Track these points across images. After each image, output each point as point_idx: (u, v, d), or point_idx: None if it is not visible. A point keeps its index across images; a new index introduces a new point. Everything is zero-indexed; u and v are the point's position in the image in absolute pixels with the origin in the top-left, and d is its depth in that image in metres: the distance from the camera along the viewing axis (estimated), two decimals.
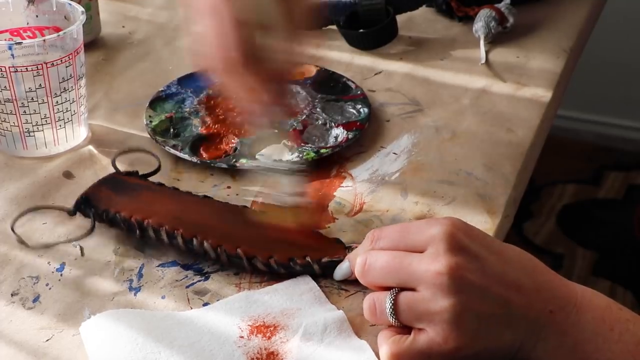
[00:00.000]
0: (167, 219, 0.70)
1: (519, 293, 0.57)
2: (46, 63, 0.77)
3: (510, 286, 0.57)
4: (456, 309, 0.56)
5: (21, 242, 0.70)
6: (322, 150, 0.81)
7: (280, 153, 0.81)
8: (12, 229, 0.71)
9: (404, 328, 0.59)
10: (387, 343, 0.58)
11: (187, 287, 0.67)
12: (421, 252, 0.59)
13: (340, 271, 0.66)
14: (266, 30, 0.64)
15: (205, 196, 0.75)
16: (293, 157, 0.80)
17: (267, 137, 0.74)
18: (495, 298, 0.57)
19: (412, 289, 0.58)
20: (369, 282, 0.61)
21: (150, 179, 0.77)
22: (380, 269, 0.60)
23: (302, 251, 0.67)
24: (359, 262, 0.62)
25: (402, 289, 0.59)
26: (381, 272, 0.60)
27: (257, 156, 0.78)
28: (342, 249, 0.68)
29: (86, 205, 0.72)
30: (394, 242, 0.61)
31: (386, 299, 0.59)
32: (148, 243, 0.70)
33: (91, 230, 0.71)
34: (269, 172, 0.75)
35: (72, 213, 0.73)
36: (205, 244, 0.68)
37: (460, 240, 0.58)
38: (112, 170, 0.78)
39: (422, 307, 0.57)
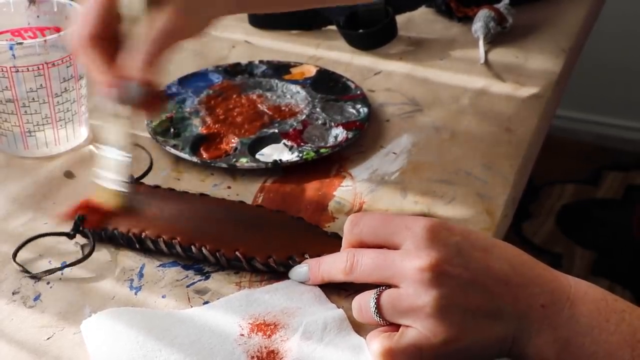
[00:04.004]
0: (164, 229, 0.70)
1: (506, 287, 0.58)
2: (47, 63, 0.77)
3: (497, 280, 0.58)
4: (440, 302, 0.56)
5: (25, 271, 0.68)
6: (322, 150, 0.81)
7: (280, 153, 0.81)
8: (14, 260, 0.69)
9: (392, 326, 0.60)
10: (377, 339, 0.59)
11: (188, 286, 0.67)
12: (400, 244, 0.59)
13: (297, 274, 0.66)
14: (133, 22, 0.67)
15: (201, 194, 0.75)
16: (293, 156, 0.80)
17: (111, 120, 0.71)
18: (480, 291, 0.57)
19: (397, 287, 0.59)
20: (355, 280, 0.62)
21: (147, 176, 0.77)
22: (364, 267, 0.61)
23: (300, 248, 0.68)
24: (343, 259, 0.62)
25: (388, 287, 0.59)
26: (366, 271, 0.61)
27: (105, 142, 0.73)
28: (340, 244, 0.68)
29: (84, 225, 0.71)
30: (375, 230, 0.61)
31: (370, 298, 0.60)
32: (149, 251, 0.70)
33: (91, 252, 0.69)
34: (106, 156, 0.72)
35: (71, 236, 0.71)
36: (204, 250, 0.68)
37: (442, 236, 0.58)
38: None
39: (405, 304, 0.58)
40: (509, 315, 0.57)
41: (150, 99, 0.67)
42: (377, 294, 0.59)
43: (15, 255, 0.69)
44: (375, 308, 0.59)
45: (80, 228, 0.71)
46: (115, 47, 0.67)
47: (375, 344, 0.59)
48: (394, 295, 0.59)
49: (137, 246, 0.70)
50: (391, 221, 0.61)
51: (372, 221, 0.62)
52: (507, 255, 0.59)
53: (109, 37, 0.67)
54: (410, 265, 0.58)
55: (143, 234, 0.70)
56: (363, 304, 0.61)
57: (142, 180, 0.77)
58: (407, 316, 0.58)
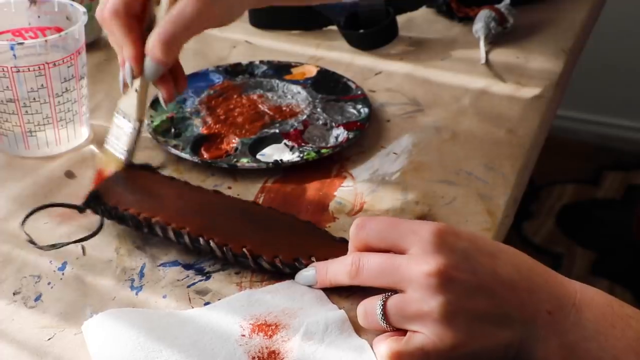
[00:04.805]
0: (174, 217, 0.70)
1: (513, 293, 0.57)
2: (48, 63, 0.77)
3: (504, 286, 0.57)
4: (447, 308, 0.56)
5: (31, 242, 0.70)
6: (323, 150, 0.81)
7: (281, 153, 0.81)
8: (23, 229, 0.71)
9: (398, 332, 0.60)
10: (385, 343, 0.59)
11: (189, 286, 0.67)
12: (407, 249, 0.59)
13: (304, 278, 0.66)
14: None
15: (215, 191, 0.75)
16: (294, 156, 0.80)
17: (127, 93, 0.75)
18: (487, 297, 0.57)
19: (403, 292, 0.59)
20: (361, 284, 0.62)
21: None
22: (370, 271, 0.60)
23: (307, 250, 0.68)
24: (348, 263, 0.62)
25: (394, 292, 0.59)
26: (372, 275, 0.60)
27: (118, 110, 0.76)
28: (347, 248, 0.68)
29: (96, 201, 0.72)
30: (381, 234, 0.61)
31: (376, 304, 0.60)
32: (153, 240, 0.70)
33: (99, 228, 0.70)
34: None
35: (82, 210, 0.72)
36: (212, 243, 0.68)
37: (449, 241, 0.58)
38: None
39: (412, 309, 0.58)
40: (515, 321, 0.57)
41: (165, 79, 0.72)
42: (384, 300, 0.59)
43: (24, 222, 0.71)
44: (382, 314, 0.59)
45: (91, 204, 0.72)
46: (142, 26, 0.71)
47: (383, 347, 0.58)
48: (400, 301, 0.58)
49: (145, 230, 0.69)
50: (398, 225, 0.61)
51: (378, 225, 0.62)
52: (514, 261, 0.59)
53: (135, 15, 0.70)
54: (417, 270, 0.57)
55: (153, 219, 0.69)
56: (369, 309, 0.60)
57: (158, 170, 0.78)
58: (414, 322, 0.58)
